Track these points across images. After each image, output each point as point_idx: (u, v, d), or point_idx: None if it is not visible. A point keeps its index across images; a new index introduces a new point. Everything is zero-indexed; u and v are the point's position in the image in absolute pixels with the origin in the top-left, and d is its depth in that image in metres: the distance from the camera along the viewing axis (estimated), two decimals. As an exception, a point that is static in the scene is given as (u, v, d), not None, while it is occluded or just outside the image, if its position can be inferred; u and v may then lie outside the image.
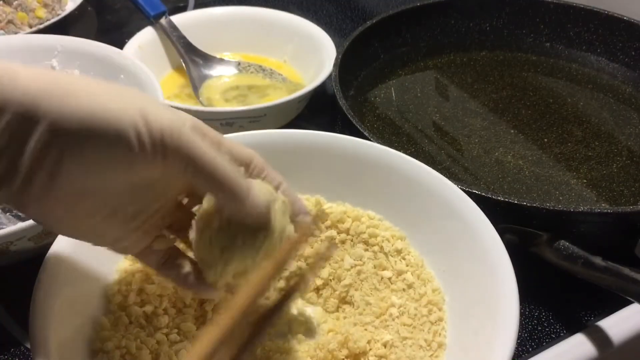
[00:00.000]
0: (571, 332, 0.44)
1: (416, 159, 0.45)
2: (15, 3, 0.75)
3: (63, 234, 0.34)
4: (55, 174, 0.26)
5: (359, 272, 0.44)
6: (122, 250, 0.33)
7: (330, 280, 0.44)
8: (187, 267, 0.34)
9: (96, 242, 0.32)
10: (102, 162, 0.26)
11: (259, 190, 0.31)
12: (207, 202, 0.32)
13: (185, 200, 0.35)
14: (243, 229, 0.31)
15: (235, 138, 0.46)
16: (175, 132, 0.27)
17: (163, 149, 0.27)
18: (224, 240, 0.31)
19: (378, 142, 0.48)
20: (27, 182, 0.26)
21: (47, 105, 0.24)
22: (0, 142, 0.24)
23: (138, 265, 0.41)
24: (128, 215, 0.30)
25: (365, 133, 0.51)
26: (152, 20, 0.70)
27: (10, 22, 0.73)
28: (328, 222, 0.46)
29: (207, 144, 0.28)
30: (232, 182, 0.29)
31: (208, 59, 0.70)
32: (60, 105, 0.24)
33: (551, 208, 0.45)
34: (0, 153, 0.24)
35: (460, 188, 0.43)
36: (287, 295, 0.32)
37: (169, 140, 0.27)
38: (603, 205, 0.54)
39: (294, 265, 0.42)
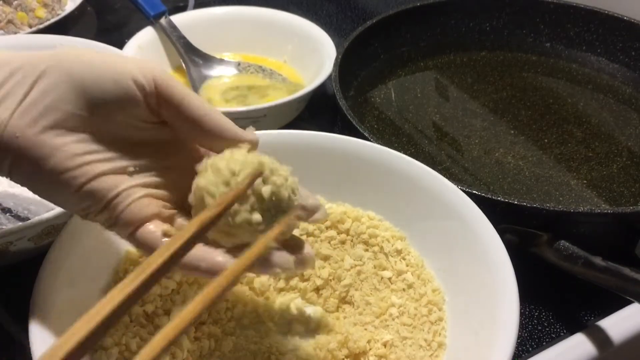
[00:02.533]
0: (571, 332, 0.44)
1: (416, 159, 0.45)
2: (15, 3, 0.75)
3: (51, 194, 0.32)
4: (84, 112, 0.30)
5: (359, 272, 0.44)
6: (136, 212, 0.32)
7: (330, 280, 0.44)
8: None
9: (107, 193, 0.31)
10: (112, 106, 0.31)
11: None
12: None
13: None
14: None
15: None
16: (165, 78, 0.31)
17: (157, 90, 0.31)
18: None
19: (378, 143, 0.48)
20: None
21: (66, 59, 0.31)
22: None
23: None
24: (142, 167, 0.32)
25: (365, 133, 0.51)
26: (152, 20, 0.70)
27: (10, 22, 0.73)
28: (328, 223, 0.46)
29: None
30: (226, 121, 0.32)
31: (208, 59, 0.70)
32: (76, 60, 0.30)
33: (551, 208, 0.45)
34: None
35: (460, 188, 0.43)
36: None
37: (160, 82, 0.31)
38: (603, 205, 0.54)
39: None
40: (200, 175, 0.31)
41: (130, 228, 0.31)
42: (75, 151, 0.30)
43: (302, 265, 0.33)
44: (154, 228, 0.31)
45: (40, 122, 0.29)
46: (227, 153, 0.31)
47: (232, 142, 0.32)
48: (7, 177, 0.30)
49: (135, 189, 0.31)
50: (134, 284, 0.23)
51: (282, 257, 0.31)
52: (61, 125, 0.29)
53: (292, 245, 0.33)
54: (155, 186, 0.32)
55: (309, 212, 0.34)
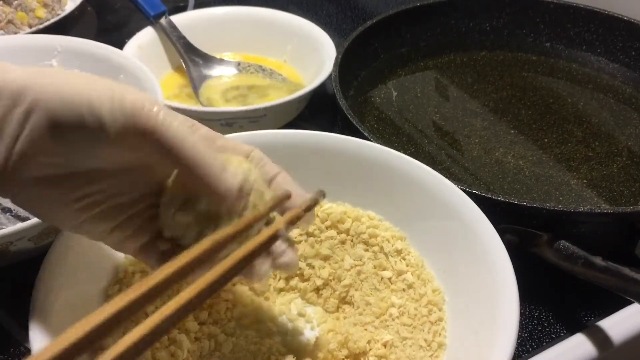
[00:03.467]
0: (571, 332, 0.44)
1: (416, 159, 0.45)
2: (15, 3, 0.75)
3: (50, 223, 0.34)
4: (35, 150, 0.27)
5: (359, 272, 0.44)
6: (118, 246, 0.33)
7: (330, 280, 0.44)
8: None
9: (88, 234, 0.32)
10: (78, 140, 0.27)
11: (235, 167, 0.31)
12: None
13: None
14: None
15: (235, 138, 0.46)
16: (146, 108, 0.27)
17: (134, 125, 0.27)
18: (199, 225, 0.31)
19: (378, 142, 0.48)
20: (8, 159, 0.27)
21: (34, 84, 0.27)
22: None
23: (139, 266, 0.41)
24: (113, 206, 0.31)
25: (365, 133, 0.51)
26: (152, 20, 0.70)
27: (10, 22, 0.73)
28: (328, 222, 0.46)
29: (181, 124, 0.28)
30: (202, 158, 0.28)
31: (208, 59, 0.70)
32: (44, 84, 0.27)
33: (551, 208, 0.45)
34: None
35: (460, 188, 0.43)
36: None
37: (139, 113, 0.27)
38: (603, 205, 0.54)
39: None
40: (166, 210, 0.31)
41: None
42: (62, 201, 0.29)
43: (283, 270, 0.34)
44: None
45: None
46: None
47: (215, 194, 0.30)
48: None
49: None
50: (136, 293, 0.24)
51: (262, 266, 0.33)
52: (44, 172, 0.28)
53: (277, 250, 0.33)
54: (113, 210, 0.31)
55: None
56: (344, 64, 0.63)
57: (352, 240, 0.46)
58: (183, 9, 0.84)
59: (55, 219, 0.31)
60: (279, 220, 0.32)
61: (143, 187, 0.32)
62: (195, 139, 0.28)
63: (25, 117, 0.27)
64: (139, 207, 0.32)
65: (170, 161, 0.28)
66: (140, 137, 0.27)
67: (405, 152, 0.46)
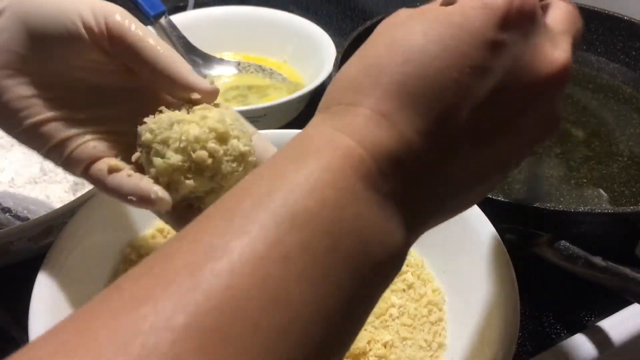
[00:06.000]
0: (571, 332, 0.44)
1: (416, 159, 0.45)
2: (15, 3, 0.75)
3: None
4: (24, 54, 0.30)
5: (359, 272, 0.44)
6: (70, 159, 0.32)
7: (330, 280, 0.44)
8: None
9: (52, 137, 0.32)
10: (56, 46, 0.30)
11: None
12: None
13: None
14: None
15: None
16: (119, 20, 0.30)
17: (108, 31, 0.30)
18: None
19: (378, 142, 0.48)
20: None
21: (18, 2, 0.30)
22: None
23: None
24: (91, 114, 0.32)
25: (365, 133, 0.51)
26: (151, 20, 0.70)
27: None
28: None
29: (147, 33, 0.31)
30: (166, 55, 0.31)
31: (208, 59, 0.70)
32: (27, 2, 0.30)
33: (551, 208, 0.45)
34: None
35: (460, 188, 0.43)
36: None
37: (111, 20, 0.30)
38: (603, 205, 0.54)
39: None
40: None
41: (78, 169, 0.32)
42: (23, 93, 0.30)
43: None
44: (101, 165, 0.31)
45: None
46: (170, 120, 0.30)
47: (187, 90, 0.31)
48: None
49: (81, 136, 0.31)
50: None
51: None
52: (11, 67, 0.30)
53: None
54: (111, 134, 0.32)
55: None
56: (344, 64, 0.62)
57: (352, 240, 0.46)
58: (183, 8, 0.84)
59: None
60: None
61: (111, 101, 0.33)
62: (159, 42, 0.31)
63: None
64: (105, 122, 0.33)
65: (137, 63, 0.31)
66: (113, 41, 0.30)
67: (405, 152, 0.46)
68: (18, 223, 0.41)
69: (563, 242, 0.43)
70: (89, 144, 0.32)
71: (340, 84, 0.24)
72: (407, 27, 0.23)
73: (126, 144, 0.32)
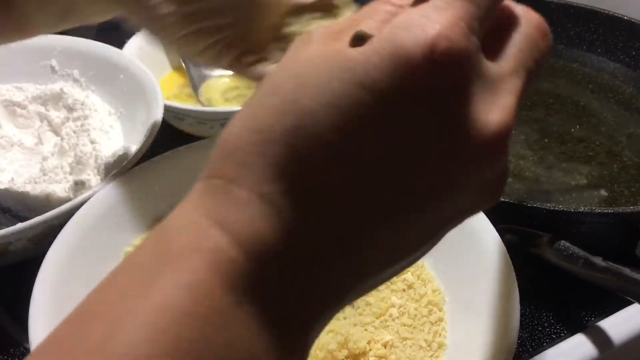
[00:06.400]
0: (571, 332, 0.44)
1: (416, 159, 0.45)
2: (15, 3, 0.75)
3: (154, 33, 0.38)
4: None
5: (359, 273, 0.44)
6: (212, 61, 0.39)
7: (330, 280, 0.44)
8: None
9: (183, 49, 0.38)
10: None
11: None
12: None
13: None
14: None
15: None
16: None
17: None
18: None
19: (378, 142, 0.48)
20: None
21: None
22: None
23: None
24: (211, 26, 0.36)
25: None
26: (152, 20, 0.70)
27: (10, 21, 0.73)
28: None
29: None
30: None
31: (208, 59, 0.70)
32: None
33: (551, 208, 0.45)
34: None
35: (460, 188, 0.43)
36: None
37: None
38: (603, 205, 0.54)
39: None
40: None
41: (226, 61, 0.39)
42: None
43: None
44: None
45: None
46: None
47: None
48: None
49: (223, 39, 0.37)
50: None
51: None
52: None
53: None
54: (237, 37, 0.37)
55: None
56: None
57: (352, 241, 0.46)
58: (183, 8, 0.84)
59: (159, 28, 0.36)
60: None
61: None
62: None
63: None
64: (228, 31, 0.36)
65: None
66: None
67: (405, 152, 0.46)
68: (18, 223, 0.41)
69: (563, 242, 0.43)
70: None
71: (225, 148, 0.20)
72: (306, 76, 0.19)
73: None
